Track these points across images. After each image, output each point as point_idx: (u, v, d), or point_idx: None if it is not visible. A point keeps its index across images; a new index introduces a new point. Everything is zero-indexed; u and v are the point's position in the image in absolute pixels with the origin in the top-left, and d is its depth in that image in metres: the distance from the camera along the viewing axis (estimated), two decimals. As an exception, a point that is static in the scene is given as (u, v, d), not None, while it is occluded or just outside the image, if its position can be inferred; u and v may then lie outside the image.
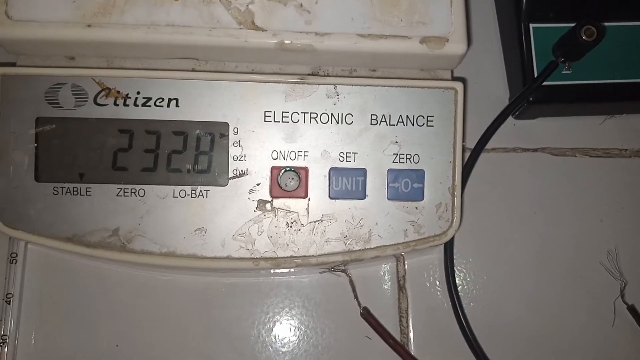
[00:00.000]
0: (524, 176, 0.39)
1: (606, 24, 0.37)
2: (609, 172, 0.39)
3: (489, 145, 0.39)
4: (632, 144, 0.40)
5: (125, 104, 0.32)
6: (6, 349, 0.33)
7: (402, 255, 0.37)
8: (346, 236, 0.33)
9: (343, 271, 0.35)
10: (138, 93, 0.32)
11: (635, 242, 0.38)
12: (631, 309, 0.36)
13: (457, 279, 0.36)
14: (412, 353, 0.35)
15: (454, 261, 0.37)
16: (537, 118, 0.40)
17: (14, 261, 0.34)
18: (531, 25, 0.37)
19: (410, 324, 0.36)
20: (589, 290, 0.37)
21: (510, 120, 0.39)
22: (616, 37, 0.37)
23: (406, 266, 0.37)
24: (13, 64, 0.33)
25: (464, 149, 0.37)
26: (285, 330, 0.36)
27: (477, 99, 0.39)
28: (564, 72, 0.37)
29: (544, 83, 0.37)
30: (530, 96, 0.37)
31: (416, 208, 0.33)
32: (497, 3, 0.41)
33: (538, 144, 0.39)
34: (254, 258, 0.32)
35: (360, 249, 0.33)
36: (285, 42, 0.31)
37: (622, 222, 0.38)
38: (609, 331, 0.37)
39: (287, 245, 0.33)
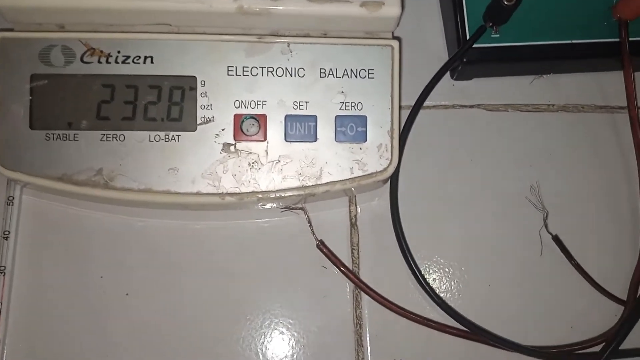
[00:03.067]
0: (462, 129, 0.44)
1: (529, -7, 0.43)
2: (538, 125, 0.44)
3: (431, 103, 0.44)
4: (559, 100, 0.45)
5: (107, 62, 0.37)
6: (4, 278, 0.38)
7: (354, 197, 0.42)
8: (300, 174, 0.38)
9: (301, 209, 0.40)
10: (118, 52, 0.37)
11: (557, 181, 0.43)
12: (555, 238, 0.41)
13: (402, 218, 0.41)
14: (362, 279, 0.40)
15: (401, 205, 0.41)
16: (473, 79, 0.45)
17: (11, 203, 0.39)
18: (463, -5, 0.43)
19: (360, 255, 0.41)
20: (518, 223, 0.42)
21: (449, 81, 0.45)
22: (537, 5, 0.42)
23: (358, 207, 0.42)
24: (11, 30, 0.38)
25: (405, 107, 0.42)
26: (251, 262, 0.40)
27: (421, 60, 0.44)
28: (493, 35, 0.42)
29: (476, 45, 0.42)
30: (463, 57, 0.42)
31: (360, 149, 0.38)
32: (436, -27, 0.46)
33: (474, 101, 0.44)
34: (220, 193, 0.37)
35: (312, 185, 0.38)
36: (245, 6, 0.37)
37: (548, 166, 0.43)
38: (538, 260, 0.41)
39: (249, 182, 0.38)
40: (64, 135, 0.37)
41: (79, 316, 0.39)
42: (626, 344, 0.39)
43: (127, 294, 0.39)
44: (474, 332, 0.40)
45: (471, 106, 0.44)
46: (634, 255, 0.41)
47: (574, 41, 0.43)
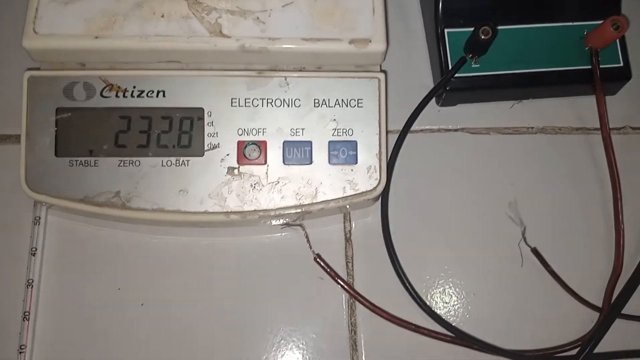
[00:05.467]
0: (447, 151, 0.47)
1: (504, 27, 0.46)
2: (518, 146, 0.47)
3: (418, 128, 0.48)
4: (537, 122, 0.48)
5: (124, 96, 0.42)
6: (32, 290, 0.42)
7: (348, 214, 0.46)
8: (298, 193, 0.42)
9: (299, 225, 0.44)
10: (134, 87, 0.42)
11: (536, 197, 0.46)
12: (534, 250, 0.45)
13: (392, 234, 0.44)
14: (356, 289, 0.44)
15: (392, 223, 0.44)
16: (457, 104, 0.49)
17: (38, 223, 0.43)
18: (446, 30, 0.46)
19: (355, 267, 0.45)
20: (499, 237, 0.45)
21: (435, 107, 0.48)
22: (514, 37, 0.46)
23: (352, 224, 0.46)
24: (38, 69, 0.42)
25: (394, 131, 0.46)
26: (253, 274, 0.44)
27: (409, 88, 0.47)
28: (473, 65, 0.46)
29: (458, 75, 0.45)
30: (446, 85, 0.46)
31: (352, 170, 0.42)
32: (422, 13, 0.50)
33: (458, 125, 0.48)
34: (225, 212, 0.41)
35: (309, 203, 0.42)
36: (246, 45, 0.41)
37: (528, 184, 0.46)
38: (518, 270, 0.45)
39: (252, 201, 0.41)
40: (86, 162, 0.41)
41: (99, 324, 0.43)
42: (600, 348, 0.42)
43: (142, 304, 0.43)
44: (460, 338, 0.43)
45: (455, 130, 0.48)
46: (609, 265, 0.44)
47: (549, 69, 0.46)
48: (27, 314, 0.42)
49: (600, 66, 0.46)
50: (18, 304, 0.42)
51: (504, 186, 0.47)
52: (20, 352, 0.41)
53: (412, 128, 0.46)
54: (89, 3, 0.41)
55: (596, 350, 0.42)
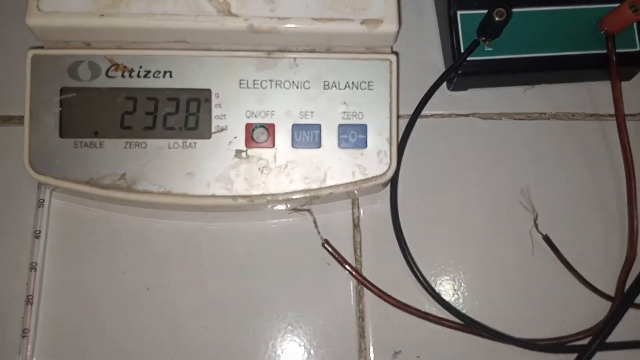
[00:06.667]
0: (458, 137, 0.46)
1: (519, 9, 0.45)
2: (531, 132, 0.46)
3: (428, 112, 0.47)
4: (550, 108, 0.47)
5: (130, 76, 0.41)
6: (35, 274, 0.42)
7: (357, 200, 0.45)
8: (306, 177, 0.41)
9: (307, 210, 0.43)
10: (140, 67, 0.41)
11: (548, 184, 0.45)
12: (545, 238, 0.44)
13: (401, 220, 0.43)
14: (364, 276, 0.43)
15: (401, 209, 0.44)
16: (468, 89, 0.48)
17: (42, 205, 0.43)
18: (458, 12, 0.45)
19: (363, 253, 0.44)
20: (511, 224, 0.44)
21: (446, 91, 0.47)
22: (528, 20, 0.45)
23: (360, 209, 0.45)
24: (41, 47, 0.41)
25: (404, 116, 0.45)
26: (261, 260, 0.43)
27: (420, 72, 0.47)
28: (486, 49, 0.45)
29: (470, 58, 0.45)
30: (458, 69, 0.45)
31: (361, 154, 0.41)
32: (434, -6, 0.49)
33: (469, 110, 0.47)
34: (233, 196, 0.40)
35: (317, 188, 0.41)
36: (255, 25, 0.40)
37: (540, 171, 0.46)
38: (529, 258, 0.44)
39: (260, 185, 0.41)
40: (91, 143, 0.40)
41: (103, 308, 0.42)
42: (613, 337, 0.41)
43: (147, 289, 0.43)
44: (469, 325, 0.42)
45: (466, 115, 0.47)
46: (622, 253, 0.44)
47: (563, 53, 0.45)
48: (30, 297, 0.41)
49: (617, 50, 0.44)
50: (21, 288, 0.42)
51: (515, 172, 0.46)
52: (23, 336, 0.41)
53: (422, 113, 0.45)
54: (94, -20, 0.40)
55: (608, 340, 0.41)
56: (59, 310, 0.42)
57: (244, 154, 0.41)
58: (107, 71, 0.41)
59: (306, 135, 0.41)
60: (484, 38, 0.44)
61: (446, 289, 0.44)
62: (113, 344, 0.42)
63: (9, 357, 0.41)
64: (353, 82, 0.41)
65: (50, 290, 0.42)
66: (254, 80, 0.41)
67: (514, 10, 0.44)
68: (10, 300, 0.42)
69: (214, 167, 0.41)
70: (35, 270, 0.42)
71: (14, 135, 0.44)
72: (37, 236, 0.42)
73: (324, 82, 0.41)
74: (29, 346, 0.41)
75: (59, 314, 0.42)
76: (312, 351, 0.42)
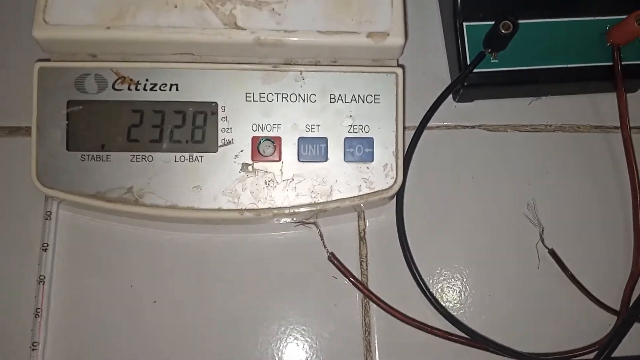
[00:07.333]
0: (463, 149, 0.46)
1: (525, 21, 0.45)
2: (536, 144, 0.47)
3: (434, 124, 0.47)
4: (555, 120, 0.47)
5: (136, 89, 0.41)
6: (43, 286, 0.42)
7: (363, 212, 0.45)
8: (312, 191, 0.41)
9: (313, 223, 0.43)
10: (147, 80, 0.41)
11: (553, 197, 0.45)
12: (551, 252, 0.44)
13: (407, 232, 0.44)
14: (370, 289, 0.43)
15: (407, 221, 0.44)
16: (475, 101, 0.48)
17: (49, 218, 0.43)
18: (464, 24, 0.45)
19: (369, 266, 0.44)
20: (516, 237, 0.44)
21: (452, 103, 0.47)
22: (534, 32, 0.45)
23: (366, 222, 0.45)
24: (48, 60, 0.41)
25: (410, 127, 0.45)
26: (267, 273, 0.43)
27: (426, 84, 0.47)
28: (492, 60, 0.45)
29: (477, 70, 0.45)
30: (464, 81, 0.45)
31: (367, 168, 0.41)
32: (440, 6, 0.49)
33: (475, 122, 0.47)
34: (239, 209, 0.41)
35: (324, 201, 0.41)
36: (261, 38, 0.40)
37: (545, 183, 0.46)
38: (535, 272, 0.44)
39: (266, 199, 0.41)
40: (98, 156, 0.40)
41: (111, 321, 0.42)
42: (618, 352, 0.41)
43: (154, 302, 0.43)
44: (475, 340, 0.42)
45: (472, 127, 0.47)
46: (627, 268, 0.44)
47: (569, 65, 0.45)
48: (39, 310, 0.41)
49: (622, 62, 0.44)
50: (30, 301, 0.42)
51: (521, 185, 0.46)
52: (32, 349, 0.41)
53: (428, 124, 0.45)
54: (101, -7, 0.40)
55: (614, 355, 0.41)
56: (68, 322, 0.42)
57: (250, 168, 0.41)
58: (113, 84, 0.41)
59: (312, 148, 0.41)
60: (490, 50, 0.44)
61: (452, 303, 0.44)
62: (121, 355, 0.42)
63: (18, 370, 0.41)
64: (359, 95, 0.41)
65: (58, 303, 0.42)
66: (260, 94, 0.41)
67: (520, 21, 0.44)
68: (19, 313, 0.42)
69: (221, 181, 0.41)
70: (43, 283, 0.42)
71: (21, 147, 0.44)
72: (44, 249, 0.42)
73: (330, 95, 0.41)
74: (39, 359, 0.41)
75: (67, 326, 0.42)
76: (317, 364, 0.43)
